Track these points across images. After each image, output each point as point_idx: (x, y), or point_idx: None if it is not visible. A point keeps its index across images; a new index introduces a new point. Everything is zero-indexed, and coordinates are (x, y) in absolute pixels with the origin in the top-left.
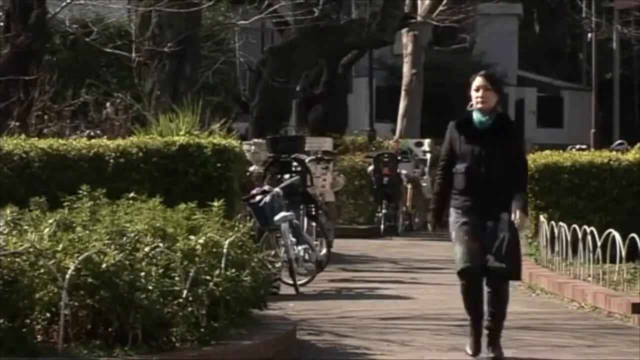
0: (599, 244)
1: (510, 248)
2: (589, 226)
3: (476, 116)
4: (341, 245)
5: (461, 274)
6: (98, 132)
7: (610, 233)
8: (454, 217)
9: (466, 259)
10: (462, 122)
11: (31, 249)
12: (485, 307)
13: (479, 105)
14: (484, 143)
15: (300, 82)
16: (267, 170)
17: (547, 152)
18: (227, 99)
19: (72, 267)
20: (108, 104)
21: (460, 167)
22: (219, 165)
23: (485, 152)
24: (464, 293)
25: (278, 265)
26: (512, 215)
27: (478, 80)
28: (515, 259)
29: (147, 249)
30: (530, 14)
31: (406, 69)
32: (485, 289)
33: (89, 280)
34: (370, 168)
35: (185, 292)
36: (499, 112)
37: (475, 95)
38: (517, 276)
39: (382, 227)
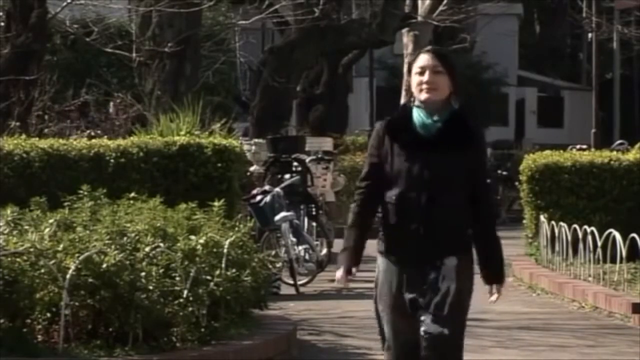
0: (599, 244)
1: (454, 307)
2: (589, 226)
3: (418, 116)
4: (342, 245)
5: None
6: (98, 132)
7: (610, 233)
8: (382, 269)
9: (394, 340)
10: (396, 122)
11: (32, 249)
12: None
13: (424, 95)
14: (429, 158)
15: (300, 82)
16: (268, 170)
17: (548, 152)
18: (227, 99)
19: (72, 267)
20: (111, 104)
21: (390, 194)
22: (219, 165)
23: (430, 172)
24: None
25: (278, 265)
26: (490, 294)
27: (423, 59)
28: (457, 324)
29: (147, 249)
30: (530, 14)
31: (406, 69)
32: None
33: (90, 280)
34: None
35: (185, 292)
36: (453, 109)
37: (417, 81)
38: (456, 351)
39: None
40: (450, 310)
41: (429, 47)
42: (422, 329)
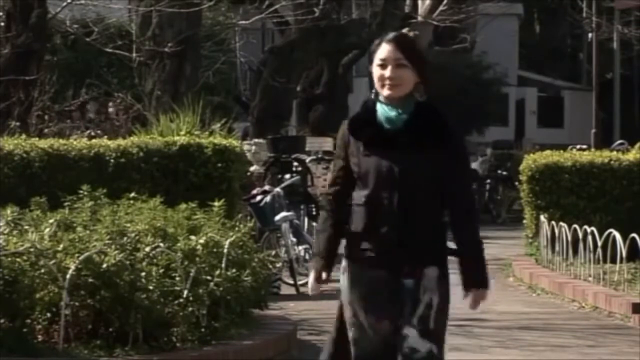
0: (599, 244)
1: (439, 320)
2: (589, 226)
3: (382, 110)
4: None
5: None
6: (99, 132)
7: (610, 233)
8: (347, 273)
9: (364, 345)
10: (359, 119)
11: (32, 249)
12: None
13: (386, 92)
14: (399, 153)
15: (300, 82)
16: (268, 170)
17: (548, 152)
18: (227, 99)
19: (72, 267)
20: (110, 104)
21: (358, 195)
22: (219, 165)
23: (400, 169)
24: None
25: (279, 265)
26: (464, 295)
27: (385, 50)
28: (442, 340)
29: (147, 249)
30: (530, 14)
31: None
32: None
33: (90, 280)
34: None
35: (185, 292)
36: (418, 101)
37: (379, 75)
38: None
39: None
40: (435, 324)
41: (390, 36)
42: (406, 345)
